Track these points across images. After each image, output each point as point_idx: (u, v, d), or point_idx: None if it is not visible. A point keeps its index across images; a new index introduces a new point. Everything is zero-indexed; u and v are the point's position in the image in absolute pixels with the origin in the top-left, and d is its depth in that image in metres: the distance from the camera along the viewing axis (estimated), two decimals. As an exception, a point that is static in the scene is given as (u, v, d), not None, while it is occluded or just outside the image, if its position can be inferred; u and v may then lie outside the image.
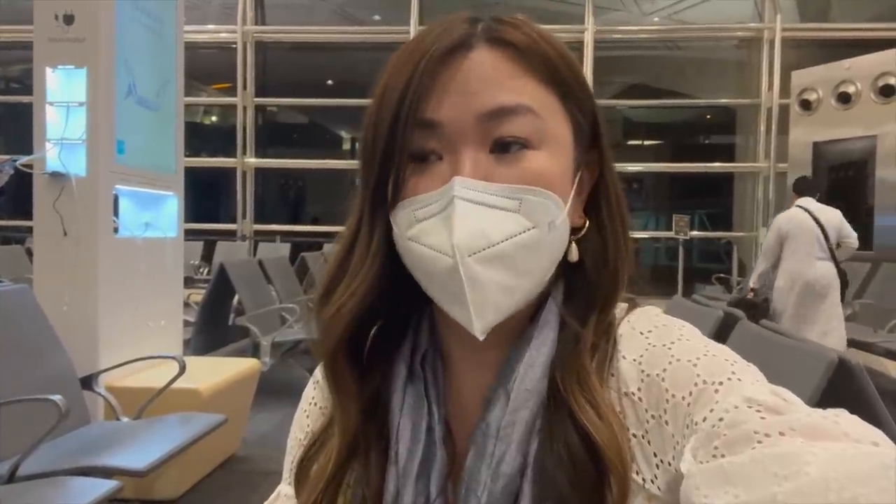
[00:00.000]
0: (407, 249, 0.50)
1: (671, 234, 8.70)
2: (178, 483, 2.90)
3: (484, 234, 0.47)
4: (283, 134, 12.63)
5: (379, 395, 0.55)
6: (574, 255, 0.53)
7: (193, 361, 3.08)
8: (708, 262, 10.76)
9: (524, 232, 0.48)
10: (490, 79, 0.49)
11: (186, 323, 4.07)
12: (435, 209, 0.49)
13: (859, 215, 7.25)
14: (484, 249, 0.47)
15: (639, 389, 0.49)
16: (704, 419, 0.43)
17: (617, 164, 0.57)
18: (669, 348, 0.49)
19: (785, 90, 8.69)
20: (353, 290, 0.52)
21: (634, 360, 0.50)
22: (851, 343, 4.84)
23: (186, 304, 4.36)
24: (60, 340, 2.53)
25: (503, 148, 0.49)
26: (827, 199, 7.69)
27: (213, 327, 4.99)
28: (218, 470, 3.23)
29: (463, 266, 0.46)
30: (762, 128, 9.57)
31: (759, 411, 0.41)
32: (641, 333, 0.52)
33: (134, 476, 2.08)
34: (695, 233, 9.66)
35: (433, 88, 0.49)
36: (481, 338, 0.48)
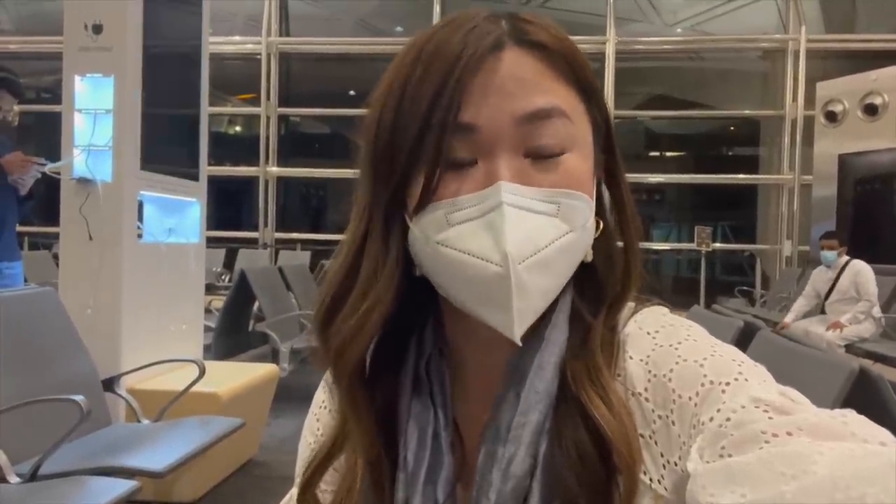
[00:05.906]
0: (434, 254, 0.49)
1: (693, 245, 8.61)
2: (197, 485, 2.92)
3: (531, 240, 0.47)
4: (306, 143, 12.73)
5: (388, 404, 0.55)
6: (589, 256, 0.53)
7: (213, 366, 3.11)
8: (731, 274, 10.63)
9: (564, 236, 0.48)
10: (524, 80, 0.48)
11: (207, 328, 4.11)
12: (473, 213, 0.47)
13: (886, 228, 7.11)
14: (531, 256, 0.46)
15: (645, 389, 0.48)
16: (711, 419, 0.42)
17: (639, 175, 0.57)
18: (676, 348, 0.49)
19: (810, 101, 8.59)
20: (368, 308, 0.50)
21: (641, 360, 0.50)
22: (877, 357, 4.73)
23: (208, 310, 4.41)
24: (84, 342, 2.57)
25: (541, 152, 0.49)
26: (853, 213, 7.60)
27: (234, 333, 5.03)
28: (236, 473, 3.25)
29: (514, 274, 0.46)
30: (786, 139, 9.45)
31: (766, 411, 0.40)
32: (648, 333, 0.51)
33: (153, 477, 2.09)
34: (717, 245, 9.54)
35: (469, 92, 0.48)
36: (520, 343, 0.47)
